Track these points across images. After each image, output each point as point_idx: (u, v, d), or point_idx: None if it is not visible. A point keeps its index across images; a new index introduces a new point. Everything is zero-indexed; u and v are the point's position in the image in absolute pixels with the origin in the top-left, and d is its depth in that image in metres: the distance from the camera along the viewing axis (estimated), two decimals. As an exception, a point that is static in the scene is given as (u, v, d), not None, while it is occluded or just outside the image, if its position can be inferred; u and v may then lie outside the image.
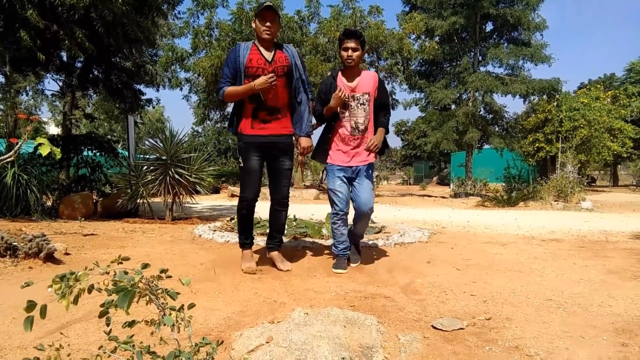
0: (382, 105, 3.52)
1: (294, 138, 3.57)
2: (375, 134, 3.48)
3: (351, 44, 3.32)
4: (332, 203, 3.53)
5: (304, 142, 3.47)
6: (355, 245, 3.85)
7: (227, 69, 3.29)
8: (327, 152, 3.60)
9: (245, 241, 3.54)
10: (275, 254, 3.59)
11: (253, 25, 3.32)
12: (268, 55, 3.29)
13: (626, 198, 15.70)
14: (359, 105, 3.42)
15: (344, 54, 3.36)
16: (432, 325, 2.06)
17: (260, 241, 4.37)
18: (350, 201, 3.56)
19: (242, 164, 3.38)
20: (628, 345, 2.05)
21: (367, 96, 3.42)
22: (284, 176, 3.47)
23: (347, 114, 3.45)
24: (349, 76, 3.45)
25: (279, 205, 3.53)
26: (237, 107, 3.41)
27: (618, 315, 2.49)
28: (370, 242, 4.62)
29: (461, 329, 2.05)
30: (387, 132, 3.55)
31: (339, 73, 3.50)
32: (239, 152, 3.41)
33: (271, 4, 3.24)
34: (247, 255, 3.52)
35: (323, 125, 3.65)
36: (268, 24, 3.23)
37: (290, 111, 3.48)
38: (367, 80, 3.45)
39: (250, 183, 3.36)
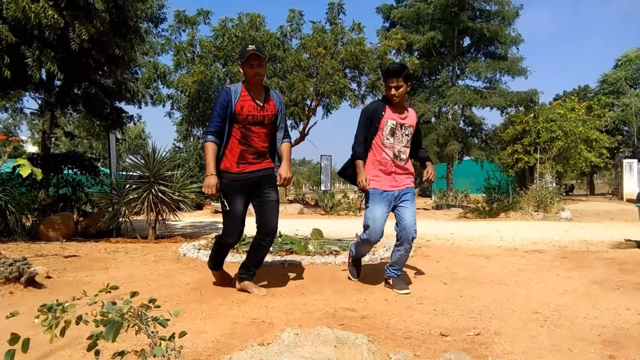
0: (419, 140, 3.69)
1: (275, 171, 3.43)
2: (426, 165, 3.65)
3: (394, 83, 3.37)
4: (367, 229, 3.41)
5: (284, 172, 3.31)
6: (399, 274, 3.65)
7: (217, 113, 3.19)
8: (356, 175, 3.53)
9: (218, 266, 3.59)
10: (247, 283, 3.41)
11: (241, 69, 3.26)
12: (259, 100, 3.25)
13: (603, 207, 16.04)
14: (404, 135, 3.48)
15: (389, 92, 3.41)
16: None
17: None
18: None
19: (227, 207, 3.24)
20: (616, 357, 2.08)
21: (411, 129, 3.51)
22: (272, 207, 3.31)
23: (392, 140, 3.45)
24: (398, 108, 3.49)
25: (265, 239, 3.34)
26: (224, 143, 3.27)
27: (604, 327, 2.53)
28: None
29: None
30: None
31: (386, 105, 3.50)
32: (223, 193, 3.24)
33: (255, 49, 3.16)
34: (221, 275, 3.61)
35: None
36: (256, 69, 3.17)
37: (271, 153, 3.41)
38: (412, 115, 3.57)
39: (234, 229, 3.27)
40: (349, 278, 3.82)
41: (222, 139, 3.23)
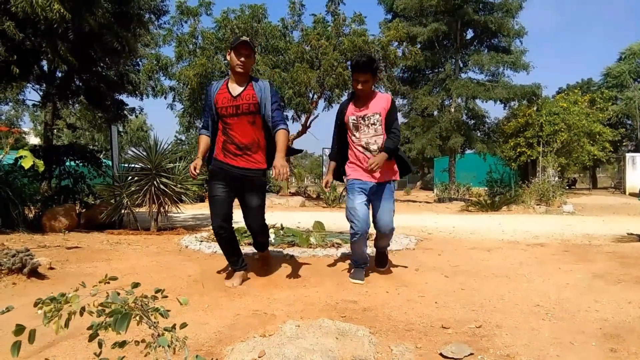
0: (390, 125, 3.45)
1: (270, 172, 3.26)
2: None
3: (361, 78, 3.32)
4: (351, 222, 3.43)
5: (277, 163, 3.06)
6: (382, 254, 3.86)
7: (204, 108, 3.44)
8: (342, 171, 3.66)
9: (235, 267, 3.47)
10: (236, 273, 3.46)
11: (228, 57, 3.26)
12: (236, 90, 3.23)
13: (606, 201, 16.01)
14: (369, 125, 3.43)
15: (355, 85, 3.38)
16: (440, 353, 2.05)
17: (248, 251, 4.35)
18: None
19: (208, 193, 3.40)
20: (617, 350, 2.08)
21: (377, 116, 3.41)
22: (253, 212, 3.36)
23: (358, 134, 3.46)
24: (360, 101, 3.46)
25: (255, 238, 3.63)
26: (213, 136, 3.39)
27: (605, 320, 2.53)
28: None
29: (471, 354, 2.03)
30: (393, 153, 3.43)
31: (351, 101, 3.51)
32: (208, 178, 3.42)
33: (247, 39, 3.20)
34: (238, 275, 3.43)
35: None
36: (242, 58, 3.16)
37: (264, 146, 3.34)
38: (379, 101, 3.45)
39: (215, 212, 3.31)
40: (350, 280, 3.52)
41: (211, 131, 3.39)
